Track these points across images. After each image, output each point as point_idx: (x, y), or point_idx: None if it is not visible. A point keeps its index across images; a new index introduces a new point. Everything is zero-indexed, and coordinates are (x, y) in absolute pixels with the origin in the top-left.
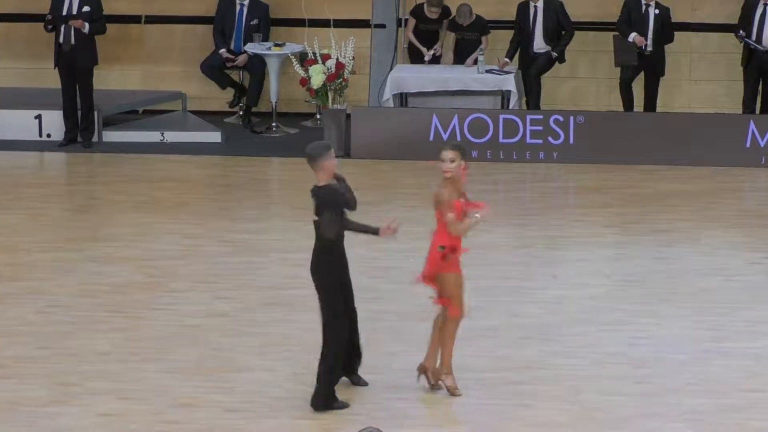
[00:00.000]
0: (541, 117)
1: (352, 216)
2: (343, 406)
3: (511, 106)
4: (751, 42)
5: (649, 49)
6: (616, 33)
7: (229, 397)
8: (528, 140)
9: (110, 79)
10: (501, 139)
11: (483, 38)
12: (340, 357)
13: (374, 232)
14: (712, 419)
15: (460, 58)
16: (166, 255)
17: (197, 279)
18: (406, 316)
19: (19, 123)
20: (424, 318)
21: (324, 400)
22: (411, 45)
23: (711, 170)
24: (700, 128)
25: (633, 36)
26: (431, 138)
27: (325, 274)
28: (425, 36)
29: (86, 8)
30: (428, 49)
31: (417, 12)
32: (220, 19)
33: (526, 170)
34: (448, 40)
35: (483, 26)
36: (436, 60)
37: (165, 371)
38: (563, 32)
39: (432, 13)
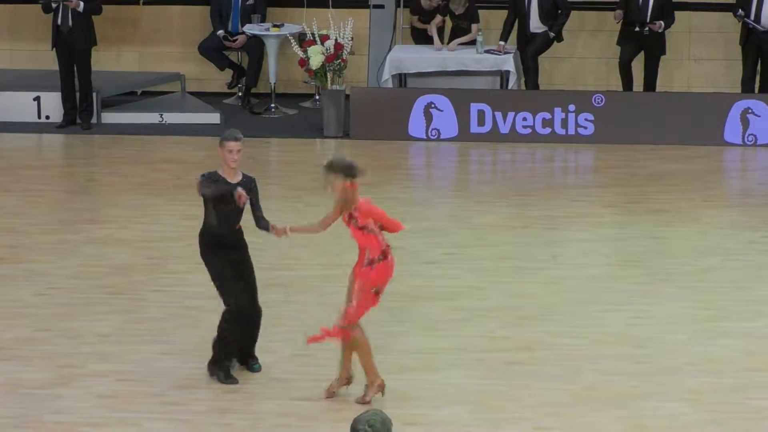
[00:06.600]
0: (540, 98)
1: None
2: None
3: (510, 87)
4: (750, 21)
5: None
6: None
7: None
8: (527, 121)
9: (108, 60)
10: (499, 120)
11: (473, 26)
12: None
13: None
14: (711, 398)
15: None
16: (165, 236)
17: (197, 260)
18: (406, 297)
19: (17, 105)
20: (424, 299)
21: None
22: (414, 30)
23: (710, 149)
24: (699, 107)
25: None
26: (432, 119)
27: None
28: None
29: None
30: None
31: (415, 8)
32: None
33: (526, 150)
34: (447, 24)
35: (473, 15)
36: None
37: (165, 353)
38: (559, 11)
39: (428, 6)
